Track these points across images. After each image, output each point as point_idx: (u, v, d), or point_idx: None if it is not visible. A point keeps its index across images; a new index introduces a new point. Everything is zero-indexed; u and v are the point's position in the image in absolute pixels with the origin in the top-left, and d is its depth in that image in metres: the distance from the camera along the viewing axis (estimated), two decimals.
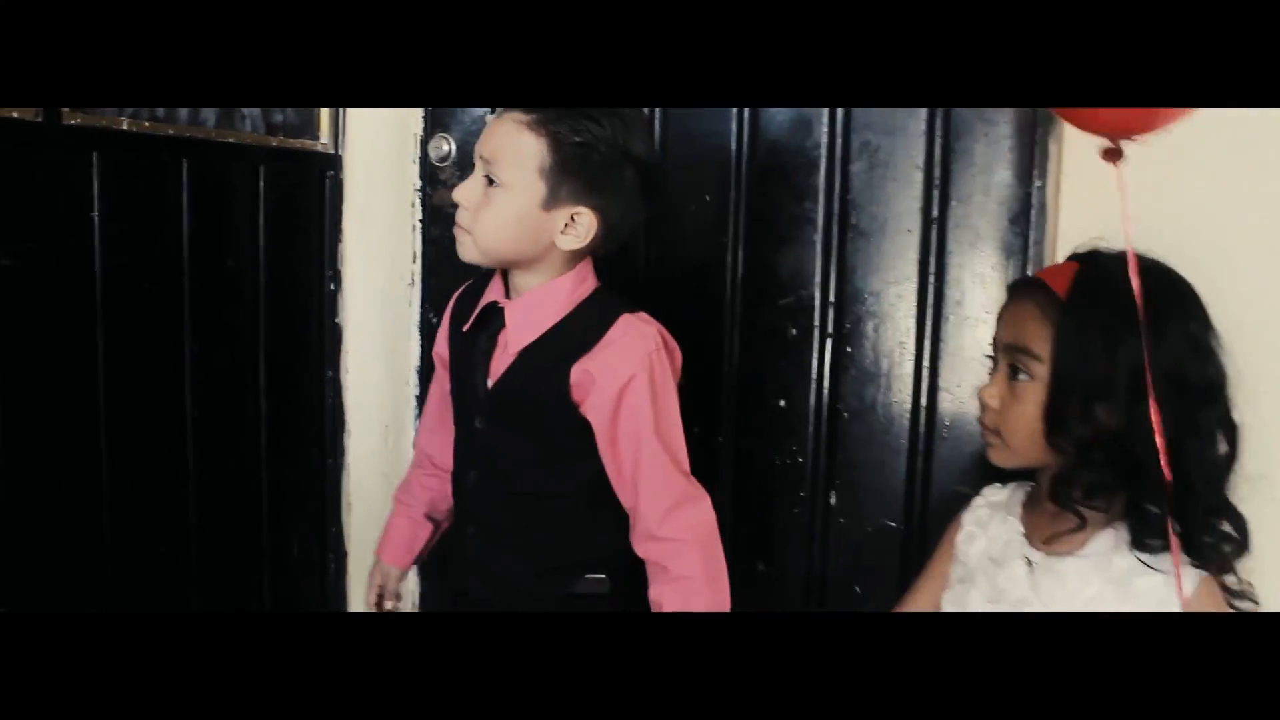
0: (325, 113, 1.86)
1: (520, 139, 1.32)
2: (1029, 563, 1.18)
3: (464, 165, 1.91)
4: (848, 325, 1.74)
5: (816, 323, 1.75)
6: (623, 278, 1.81)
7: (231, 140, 1.74)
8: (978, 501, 1.32)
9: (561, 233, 1.35)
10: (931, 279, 1.69)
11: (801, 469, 1.77)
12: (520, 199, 1.33)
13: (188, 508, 1.70)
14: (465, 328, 1.47)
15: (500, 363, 1.42)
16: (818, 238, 1.73)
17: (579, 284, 1.41)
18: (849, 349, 1.74)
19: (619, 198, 1.36)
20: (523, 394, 1.40)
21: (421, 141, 1.93)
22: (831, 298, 1.74)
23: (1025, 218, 1.64)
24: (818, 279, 1.74)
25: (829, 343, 1.75)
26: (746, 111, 1.73)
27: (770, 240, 1.75)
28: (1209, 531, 1.11)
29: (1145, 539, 1.10)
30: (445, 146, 1.91)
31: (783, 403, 1.77)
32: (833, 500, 1.77)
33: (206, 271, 1.68)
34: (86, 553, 1.55)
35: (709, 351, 1.79)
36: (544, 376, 1.38)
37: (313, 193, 1.88)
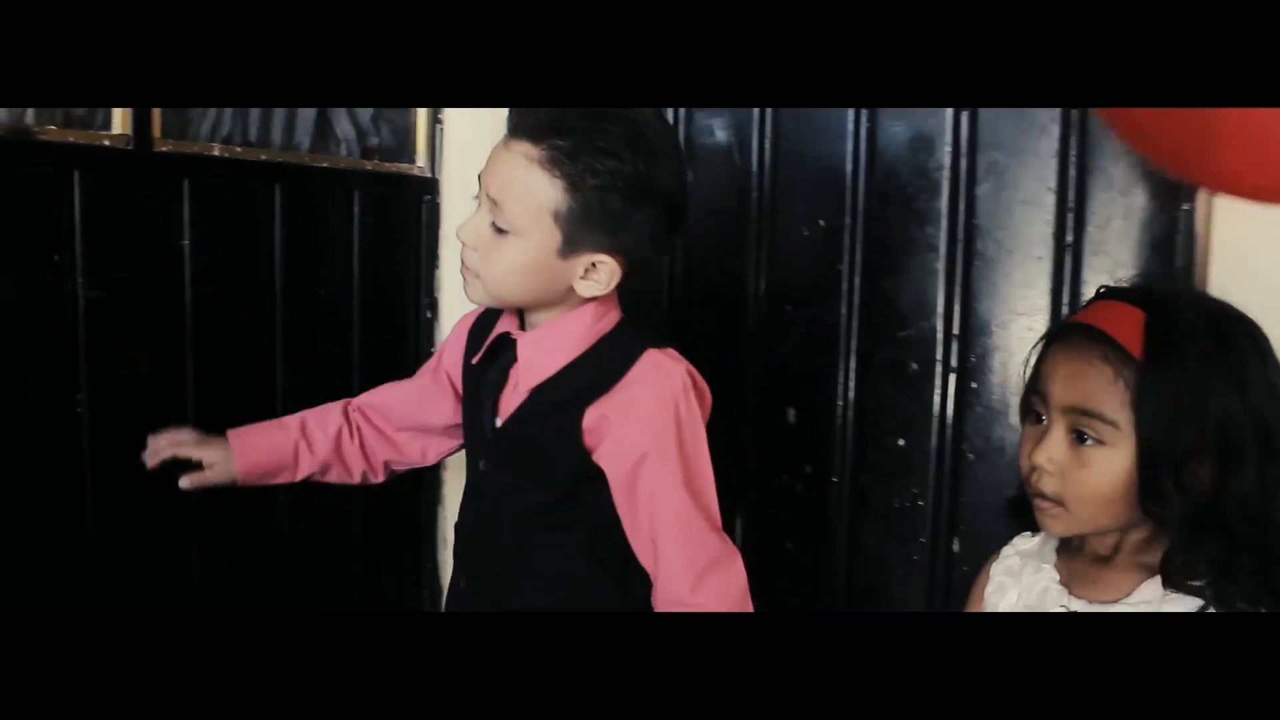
0: (422, 135, 1.81)
1: (531, 180, 1.15)
2: (1070, 613, 1.11)
3: None
4: (973, 359, 1.62)
5: (939, 356, 1.62)
6: (732, 306, 1.73)
7: (325, 165, 1.69)
8: (1006, 551, 1.22)
9: (581, 279, 1.21)
10: (1065, 310, 1.56)
11: (922, 513, 1.65)
12: (533, 247, 1.18)
13: (279, 545, 1.65)
14: (475, 360, 1.32)
15: (510, 401, 1.27)
16: (940, 265, 1.61)
17: (600, 317, 1.26)
18: (974, 385, 1.62)
19: (644, 238, 1.21)
20: (532, 436, 1.26)
21: None
22: (955, 329, 1.62)
23: (1170, 243, 1.51)
24: (940, 309, 1.62)
25: (952, 378, 1.62)
26: (863, 130, 1.62)
27: (889, 268, 1.64)
28: None
29: (1233, 603, 1.02)
30: None
31: (902, 442, 1.65)
32: (955, 547, 1.64)
33: (299, 300, 1.63)
34: (175, 586, 1.50)
35: (823, 386, 1.68)
36: (555, 418, 1.23)
37: (409, 218, 1.83)
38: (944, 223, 1.61)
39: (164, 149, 1.44)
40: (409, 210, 1.82)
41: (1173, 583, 1.04)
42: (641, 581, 1.23)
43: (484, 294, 1.23)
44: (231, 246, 1.53)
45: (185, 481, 1.32)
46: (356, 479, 1.41)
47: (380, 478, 1.43)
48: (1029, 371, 1.12)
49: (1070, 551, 1.15)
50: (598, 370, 1.23)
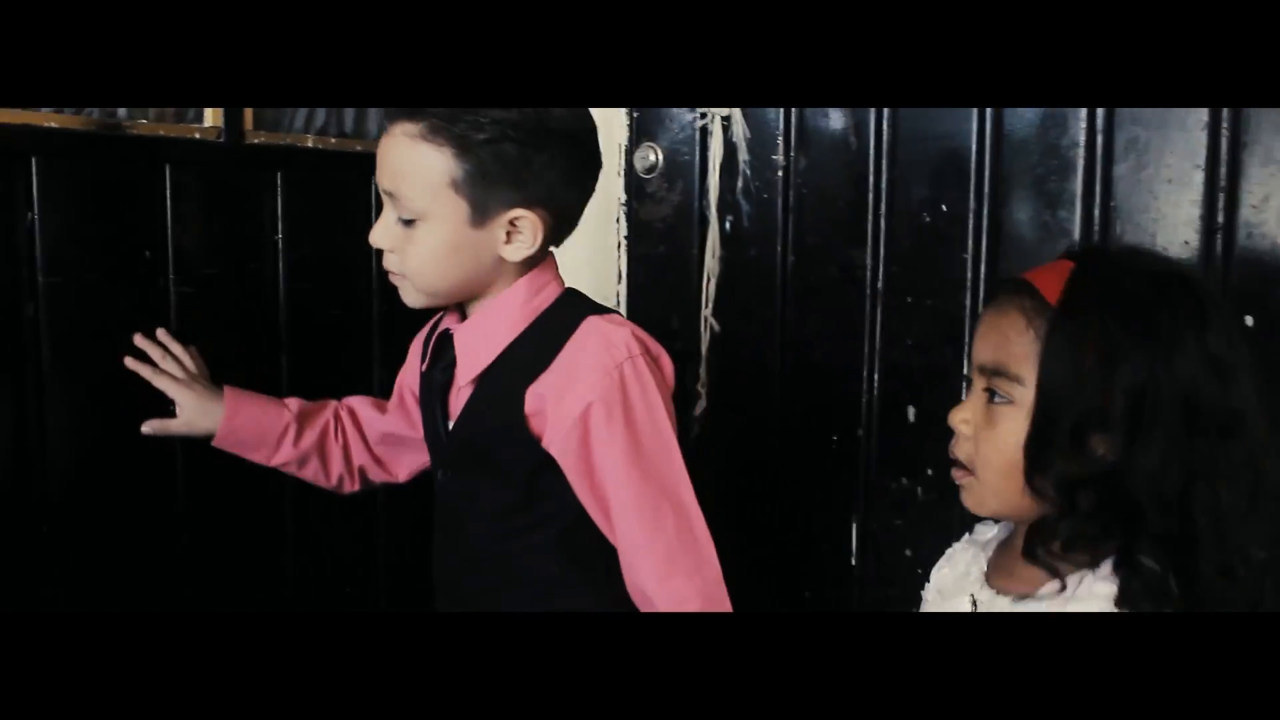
0: None
1: (418, 157, 1.09)
2: (974, 601, 1.02)
3: (672, 177, 1.76)
4: None
5: None
6: (847, 299, 1.63)
7: None
8: (965, 538, 1.14)
9: (506, 244, 1.14)
10: None
11: None
12: (444, 226, 1.11)
13: (377, 537, 1.61)
14: (424, 367, 1.25)
15: (457, 400, 1.19)
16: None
17: (536, 291, 1.17)
18: None
19: (557, 183, 1.14)
20: (480, 432, 1.17)
21: (626, 152, 1.79)
22: None
23: None
24: None
25: None
26: (989, 109, 1.50)
27: (1016, 256, 1.51)
28: (1214, 593, 0.89)
29: (1138, 598, 0.89)
30: (652, 157, 1.76)
31: None
32: None
33: (396, 296, 1.59)
34: (266, 584, 1.48)
35: (945, 383, 1.56)
36: (499, 408, 1.15)
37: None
38: (1078, 206, 1.47)
39: (256, 141, 1.41)
40: None
41: (1027, 551, 0.93)
42: (623, 581, 1.15)
43: (415, 294, 1.16)
44: (326, 240, 1.49)
45: (148, 427, 1.27)
46: (332, 482, 1.35)
47: (355, 486, 1.37)
48: None
49: (1009, 541, 1.05)
50: (535, 348, 1.14)
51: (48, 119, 1.23)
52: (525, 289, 1.16)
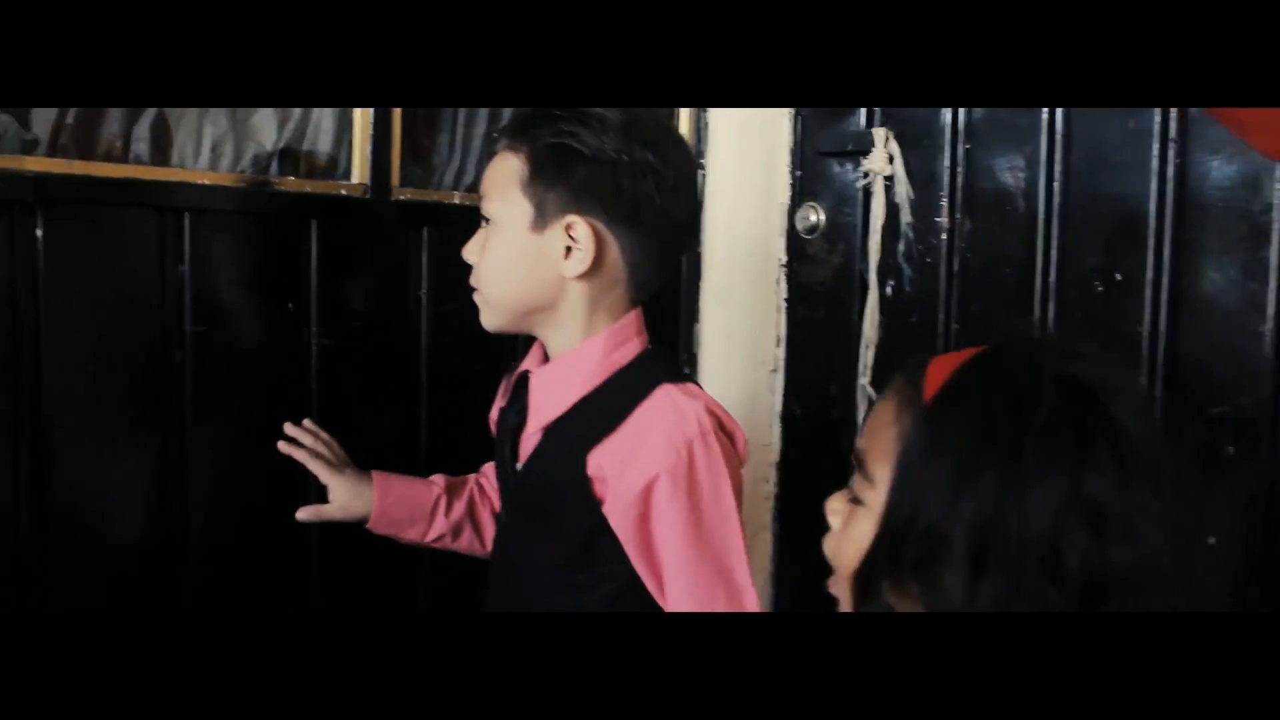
0: None
1: (504, 164, 1.12)
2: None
3: (833, 239, 1.69)
4: None
5: (1265, 442, 1.33)
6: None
7: None
8: None
9: (565, 259, 1.10)
10: None
11: None
12: (508, 231, 1.12)
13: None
14: (503, 403, 1.23)
15: (526, 444, 1.16)
16: (1267, 329, 1.32)
17: (616, 346, 1.13)
18: None
19: (624, 208, 1.10)
20: (543, 482, 1.13)
21: (788, 211, 1.74)
22: None
23: None
24: (1271, 384, 1.33)
25: None
26: (1170, 167, 1.37)
27: (1199, 331, 1.37)
28: None
29: None
30: (813, 217, 1.70)
31: (1213, 540, 1.37)
32: None
33: None
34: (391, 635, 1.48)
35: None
36: (563, 463, 1.10)
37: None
38: (1273, 279, 1.33)
39: (402, 198, 1.44)
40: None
41: None
42: None
43: (487, 311, 1.17)
44: (470, 296, 1.50)
45: (302, 514, 1.26)
46: (487, 548, 1.32)
47: None
48: None
49: None
50: (605, 408, 1.10)
51: (201, 176, 1.29)
52: (605, 342, 1.13)
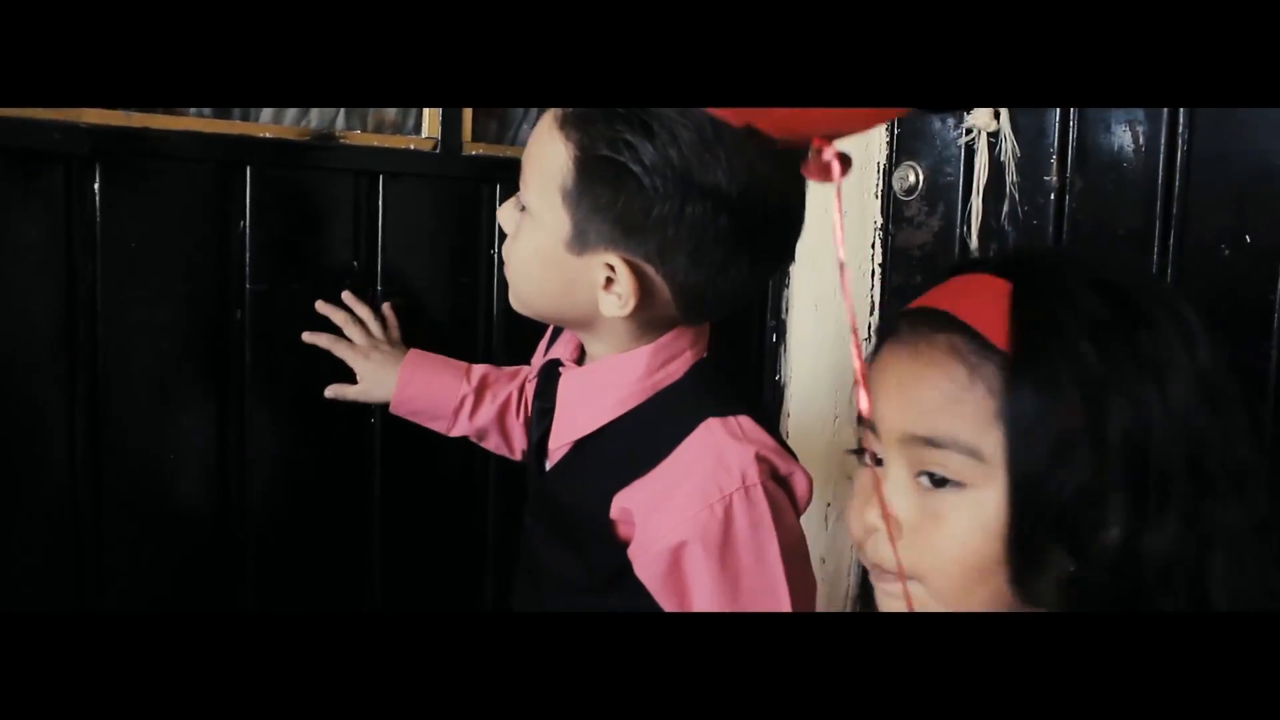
0: None
1: (548, 146, 0.93)
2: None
3: (932, 200, 1.58)
4: None
5: None
6: None
7: None
8: None
9: (603, 289, 0.94)
10: None
11: None
12: (543, 234, 0.95)
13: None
14: (534, 390, 1.10)
15: (556, 447, 1.03)
16: None
17: (661, 364, 0.97)
18: None
19: (684, 245, 0.90)
20: (567, 503, 1.00)
21: (885, 171, 1.64)
22: None
23: None
24: None
25: None
26: None
27: None
28: None
29: None
30: (912, 177, 1.60)
31: None
32: None
33: None
34: (458, 586, 1.44)
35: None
36: (586, 495, 0.97)
37: None
38: None
39: (474, 152, 1.38)
40: None
41: None
42: None
43: (513, 297, 1.03)
44: None
45: (329, 392, 1.25)
46: (517, 456, 1.24)
47: None
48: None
49: None
50: (639, 444, 0.95)
51: (263, 129, 1.25)
52: (649, 359, 0.98)
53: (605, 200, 0.91)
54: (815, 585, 1.04)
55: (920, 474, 0.71)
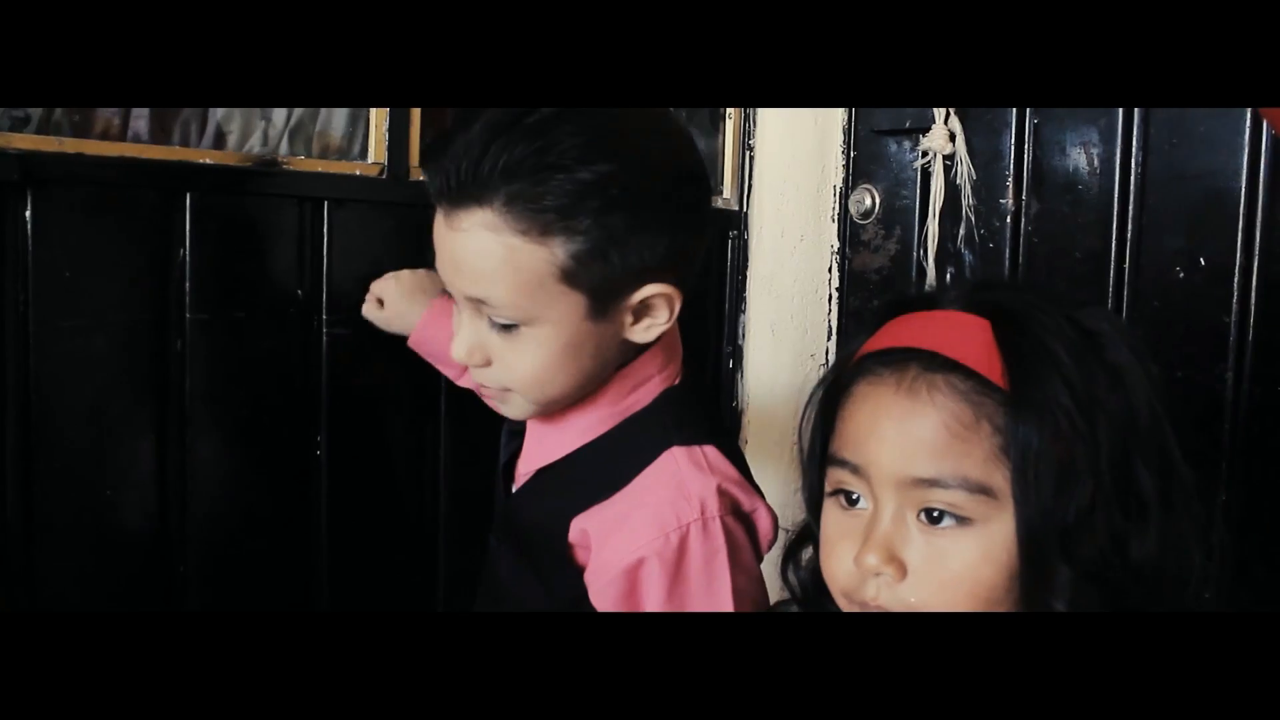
0: (729, 163, 1.62)
1: (508, 254, 0.86)
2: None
3: (889, 223, 1.57)
4: None
5: None
6: None
7: None
8: None
9: (634, 324, 0.93)
10: None
11: None
12: (558, 327, 0.89)
13: None
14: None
15: (523, 471, 1.01)
16: None
17: (631, 389, 0.95)
18: None
19: (683, 237, 0.91)
20: (528, 530, 0.99)
21: (841, 194, 1.63)
22: None
23: None
24: None
25: None
26: (1264, 139, 1.23)
27: None
28: None
29: None
30: (868, 200, 1.59)
31: None
32: None
33: None
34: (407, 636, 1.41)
35: (1199, 474, 1.30)
36: (547, 522, 0.95)
37: (712, 255, 1.64)
38: None
39: (421, 178, 1.35)
40: (712, 247, 1.63)
41: None
42: None
43: (526, 405, 0.95)
44: None
45: (366, 308, 1.26)
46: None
47: None
48: (808, 435, 0.78)
49: None
50: (600, 472, 0.93)
51: (203, 155, 1.22)
52: (617, 388, 0.96)
53: (614, 252, 0.87)
54: None
55: (920, 513, 0.72)
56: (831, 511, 0.77)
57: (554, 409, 0.97)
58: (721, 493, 0.93)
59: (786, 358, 1.66)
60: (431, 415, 1.38)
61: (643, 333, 0.93)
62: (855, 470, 0.74)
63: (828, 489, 0.77)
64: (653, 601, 0.90)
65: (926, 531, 0.72)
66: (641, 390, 0.97)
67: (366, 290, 1.31)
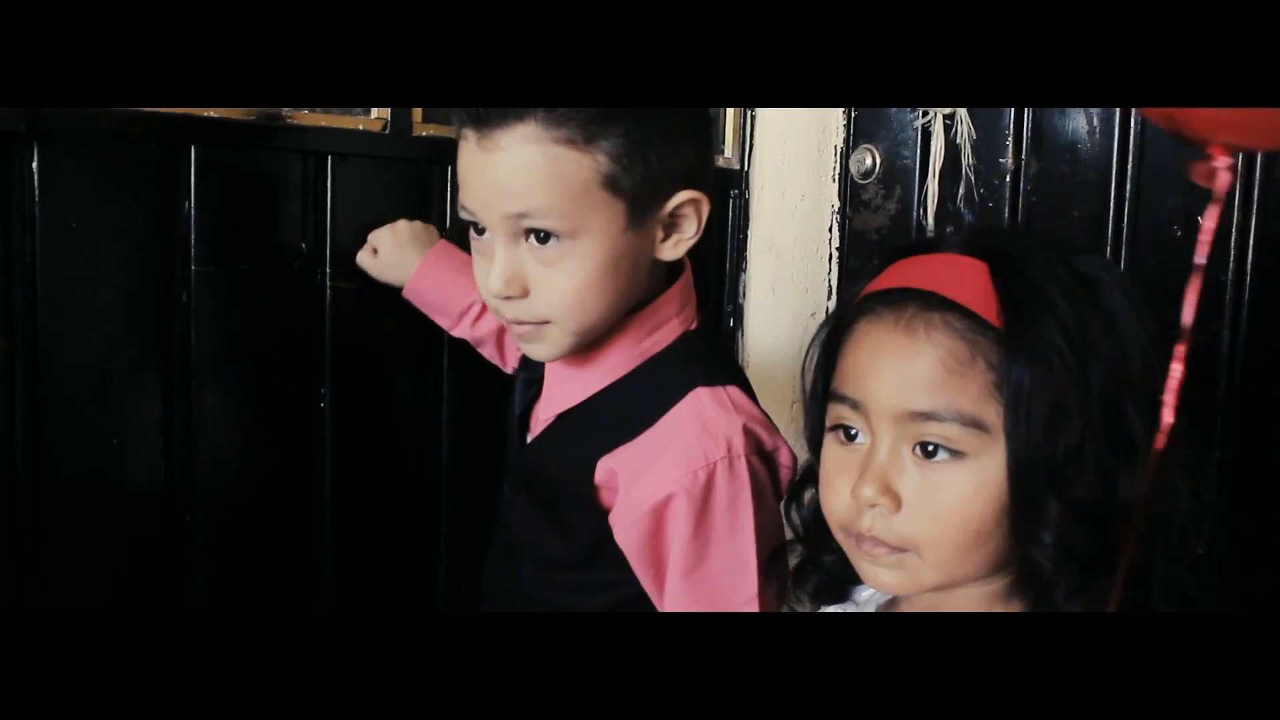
0: (730, 122, 1.62)
1: (554, 161, 0.88)
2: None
3: (889, 183, 1.58)
4: None
5: None
6: None
7: None
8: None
9: (664, 241, 0.96)
10: None
11: None
12: (599, 239, 0.91)
13: None
14: (514, 366, 1.12)
15: (537, 422, 1.03)
16: None
17: (650, 331, 0.97)
18: None
19: (706, 144, 0.98)
20: (549, 475, 1.01)
21: (842, 154, 1.63)
22: None
23: None
24: None
25: None
26: None
27: None
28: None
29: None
30: (869, 160, 1.59)
31: None
32: None
33: None
34: (412, 578, 1.42)
35: (1194, 428, 1.31)
36: (570, 464, 0.97)
37: (712, 214, 1.64)
38: None
39: (424, 134, 1.36)
40: (713, 207, 1.64)
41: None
42: None
43: (562, 339, 0.96)
44: None
45: (362, 254, 1.26)
46: (509, 369, 1.25)
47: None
48: (811, 372, 0.80)
49: (886, 604, 0.86)
50: (625, 412, 0.95)
51: (207, 109, 1.22)
52: (636, 329, 0.98)
53: (658, 148, 0.91)
54: (789, 576, 1.01)
55: (915, 447, 0.74)
56: (831, 447, 0.79)
57: (581, 346, 0.98)
58: (746, 431, 0.95)
59: (787, 317, 1.67)
60: (434, 367, 1.39)
61: (671, 249, 0.96)
62: (854, 405, 0.76)
63: (828, 425, 0.79)
64: (678, 538, 0.93)
65: (921, 465, 0.74)
66: (660, 332, 0.99)
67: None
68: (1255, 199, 1.25)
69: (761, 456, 0.96)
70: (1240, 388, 1.27)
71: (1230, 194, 1.26)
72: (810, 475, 0.85)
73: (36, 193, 1.11)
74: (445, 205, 1.37)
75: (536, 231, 0.92)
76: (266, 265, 1.26)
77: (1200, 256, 0.62)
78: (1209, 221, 0.63)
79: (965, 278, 0.75)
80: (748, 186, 1.63)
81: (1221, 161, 0.62)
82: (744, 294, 1.66)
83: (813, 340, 0.82)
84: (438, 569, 1.43)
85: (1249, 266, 1.25)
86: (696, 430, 0.93)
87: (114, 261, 1.17)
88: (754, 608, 0.93)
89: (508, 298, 0.94)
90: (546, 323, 0.95)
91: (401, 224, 1.27)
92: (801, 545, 0.88)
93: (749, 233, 1.65)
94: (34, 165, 1.11)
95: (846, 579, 0.86)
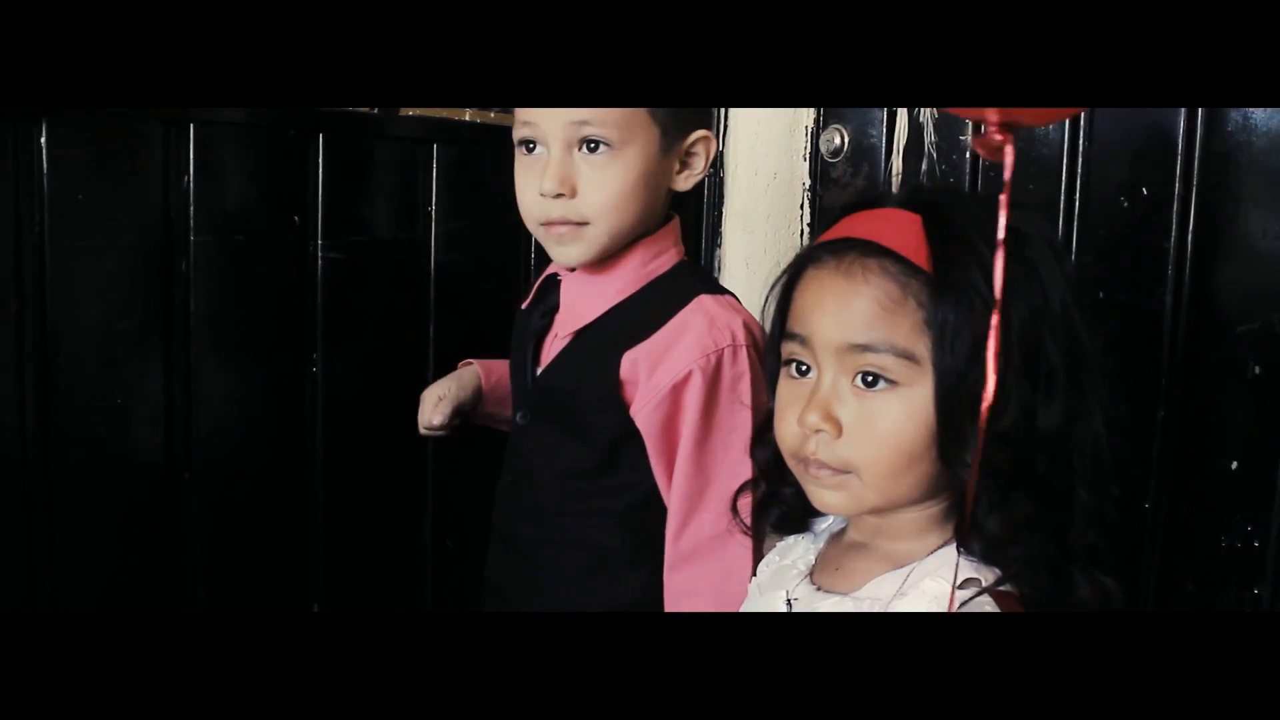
0: None
1: None
2: (789, 601, 0.90)
3: (857, 161, 1.65)
4: None
5: None
6: None
7: None
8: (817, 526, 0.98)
9: (678, 173, 1.13)
10: None
11: (1258, 555, 1.30)
12: (640, 153, 1.08)
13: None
14: (524, 304, 1.23)
15: (551, 348, 1.16)
16: None
17: (653, 256, 1.13)
18: None
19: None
20: (569, 387, 1.13)
21: (813, 134, 1.70)
22: None
23: None
24: None
25: None
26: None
27: (1229, 247, 1.31)
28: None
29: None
30: (838, 139, 1.66)
31: (1235, 465, 1.31)
32: None
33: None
34: (401, 547, 1.49)
35: (1140, 390, 1.38)
36: (593, 367, 1.10)
37: (690, 192, 1.71)
38: None
39: (411, 113, 1.43)
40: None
41: (986, 552, 0.81)
42: None
43: (594, 240, 1.10)
44: (480, 213, 1.49)
45: (438, 418, 1.23)
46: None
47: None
48: (771, 314, 0.89)
49: (839, 532, 0.93)
50: (640, 315, 1.09)
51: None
52: (643, 252, 1.13)
53: None
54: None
55: (855, 377, 0.82)
56: (783, 382, 0.88)
57: (607, 254, 1.11)
58: (746, 327, 1.09)
59: (761, 290, 1.73)
60: (421, 333, 1.47)
61: (684, 181, 1.13)
62: (803, 341, 0.84)
63: (782, 361, 0.88)
64: (690, 415, 1.06)
65: (860, 395, 0.82)
66: (662, 258, 1.14)
67: (359, 218, 1.40)
68: (1195, 171, 1.32)
69: (757, 351, 1.08)
70: (1183, 349, 1.35)
71: (1172, 165, 1.33)
72: (770, 419, 0.93)
73: (45, 164, 1.18)
74: (432, 181, 1.44)
75: (590, 141, 1.07)
76: (261, 236, 1.33)
77: (1000, 231, 0.68)
78: (1004, 195, 0.69)
79: (901, 228, 0.83)
80: (722, 165, 1.70)
81: (999, 137, 0.68)
82: (719, 267, 1.73)
83: (770, 288, 0.91)
84: (424, 518, 1.50)
85: (1190, 235, 1.33)
86: (705, 323, 1.08)
87: (118, 231, 1.24)
88: (747, 474, 1.02)
89: (558, 195, 1.08)
90: (585, 224, 1.09)
91: (438, 383, 1.28)
92: (764, 481, 0.96)
93: (724, 209, 1.72)
94: (43, 140, 1.18)
95: (805, 511, 0.94)
